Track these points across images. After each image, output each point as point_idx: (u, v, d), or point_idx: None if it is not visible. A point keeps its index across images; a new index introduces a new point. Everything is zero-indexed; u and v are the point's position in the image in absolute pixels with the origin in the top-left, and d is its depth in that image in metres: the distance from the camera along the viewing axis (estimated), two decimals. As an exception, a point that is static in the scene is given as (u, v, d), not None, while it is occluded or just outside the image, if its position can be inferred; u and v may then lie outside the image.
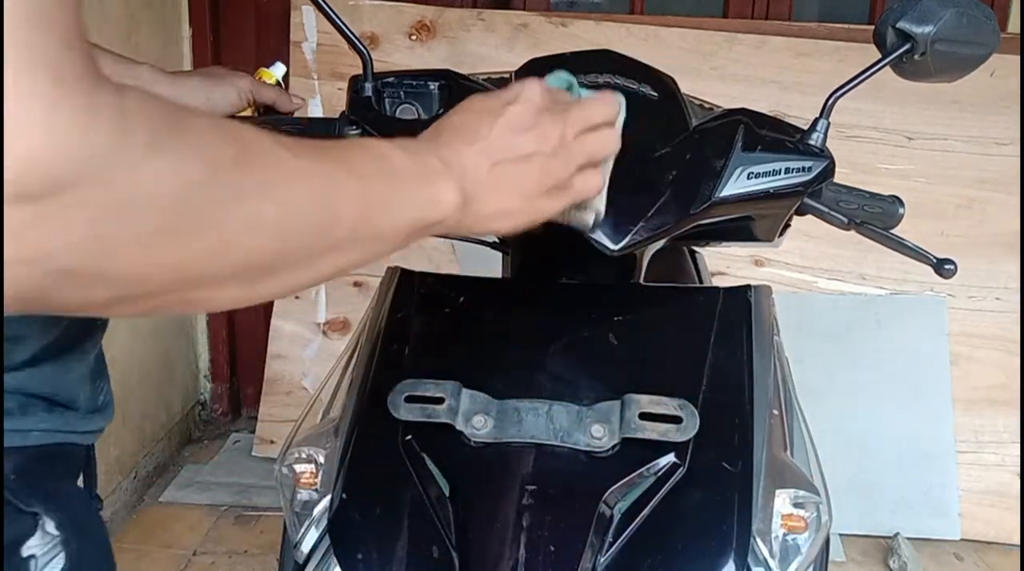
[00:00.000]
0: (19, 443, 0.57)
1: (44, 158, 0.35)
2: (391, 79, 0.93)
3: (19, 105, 0.34)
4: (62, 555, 0.59)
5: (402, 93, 0.94)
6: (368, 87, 0.93)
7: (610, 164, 0.72)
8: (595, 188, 0.71)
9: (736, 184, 0.87)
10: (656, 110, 0.91)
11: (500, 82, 0.97)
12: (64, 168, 0.36)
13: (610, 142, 0.70)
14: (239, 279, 0.47)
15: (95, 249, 0.39)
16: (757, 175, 0.88)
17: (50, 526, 0.58)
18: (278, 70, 1.14)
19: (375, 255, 0.56)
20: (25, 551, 0.57)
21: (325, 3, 0.91)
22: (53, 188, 0.36)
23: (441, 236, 0.66)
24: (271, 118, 1.05)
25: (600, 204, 0.76)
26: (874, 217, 0.96)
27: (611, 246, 0.82)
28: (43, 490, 0.58)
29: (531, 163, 0.64)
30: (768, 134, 0.92)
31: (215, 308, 0.50)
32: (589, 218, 0.76)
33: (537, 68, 0.98)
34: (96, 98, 0.37)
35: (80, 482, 0.66)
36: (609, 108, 0.70)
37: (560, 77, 0.74)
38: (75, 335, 0.64)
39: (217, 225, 0.43)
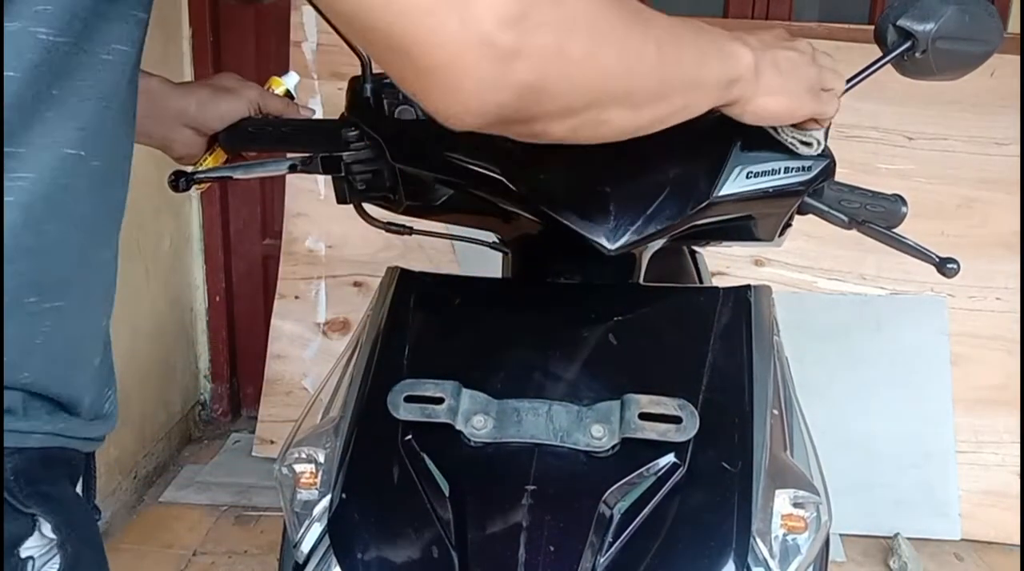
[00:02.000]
0: (19, 444, 0.57)
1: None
2: (389, 80, 0.93)
3: None
4: (58, 558, 0.59)
5: (400, 94, 0.94)
6: (367, 88, 0.93)
7: (839, 103, 0.83)
8: (833, 110, 0.82)
9: (735, 183, 0.87)
10: None
11: None
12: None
13: (838, 92, 0.84)
14: (631, 103, 0.61)
15: (556, 59, 0.53)
16: (756, 174, 0.88)
17: (47, 528, 0.58)
18: (290, 79, 1.13)
19: (702, 97, 0.68)
20: (23, 552, 0.57)
21: None
22: (525, 10, 0.50)
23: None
24: (272, 119, 1.05)
25: (822, 136, 0.87)
26: (876, 216, 0.95)
27: (608, 246, 0.82)
28: (41, 492, 0.58)
29: (797, 58, 0.77)
30: (768, 134, 0.92)
31: (615, 132, 0.62)
32: (812, 143, 0.86)
33: None
34: None
35: (79, 490, 0.65)
36: (839, 78, 0.84)
37: None
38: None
39: (617, 52, 0.57)
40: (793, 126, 0.84)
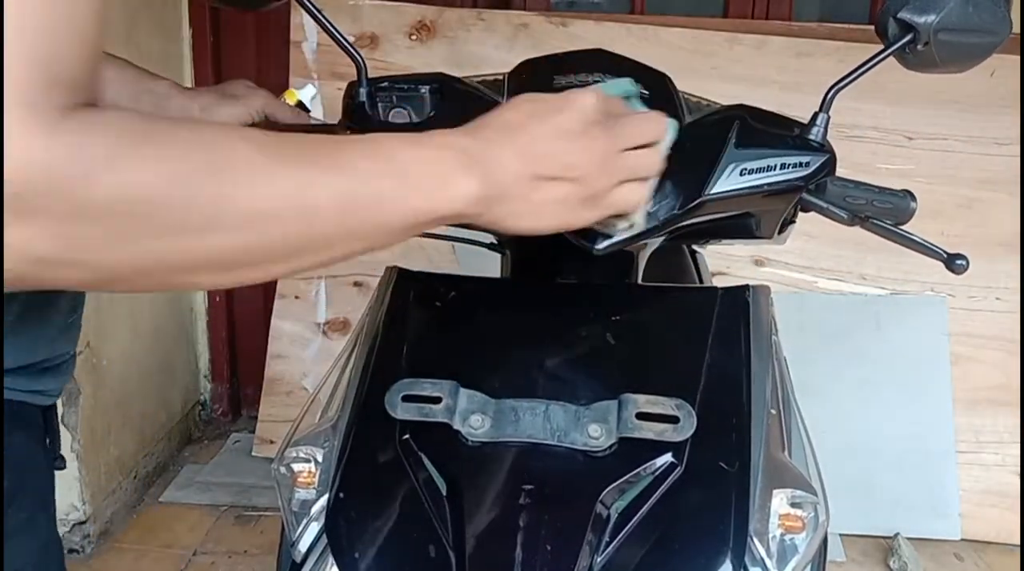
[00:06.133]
0: None
1: (15, 170, 0.42)
2: (384, 83, 0.93)
3: (5, 128, 0.41)
4: None
5: (394, 97, 0.94)
6: (362, 93, 0.93)
7: (654, 183, 0.72)
8: (636, 203, 0.70)
9: (728, 181, 0.86)
10: (648, 108, 0.91)
11: (494, 84, 0.97)
12: (30, 179, 0.42)
13: (655, 163, 0.70)
14: (215, 269, 0.50)
15: (63, 245, 0.44)
16: (751, 171, 0.87)
17: None
18: (306, 92, 1.13)
19: (379, 244, 0.57)
20: None
21: (318, 10, 0.91)
22: (23, 195, 0.42)
23: (467, 227, 0.68)
24: (273, 125, 1.05)
25: (639, 217, 0.75)
26: (884, 212, 0.94)
27: (593, 246, 0.82)
28: None
29: (572, 173, 0.64)
30: (765, 129, 0.91)
31: (195, 289, 0.53)
32: (623, 229, 0.77)
33: (529, 69, 0.98)
34: (63, 122, 0.43)
35: (30, 440, 0.70)
36: (658, 127, 0.70)
37: (620, 84, 0.74)
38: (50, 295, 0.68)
39: (183, 225, 0.47)
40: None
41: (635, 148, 0.68)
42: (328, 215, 0.52)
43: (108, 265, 0.47)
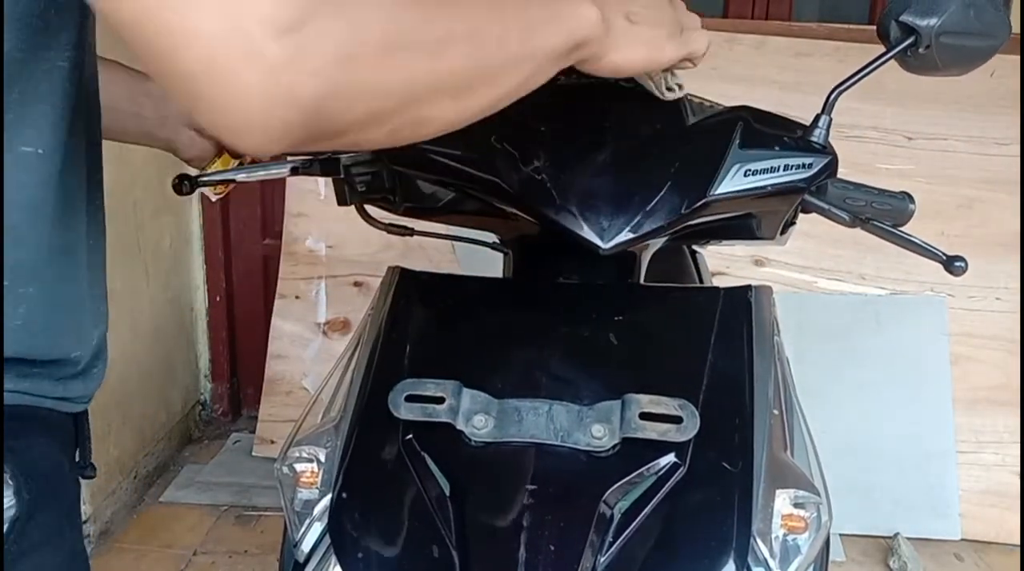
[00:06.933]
0: None
1: None
2: None
3: None
4: (15, 503, 0.61)
5: None
6: None
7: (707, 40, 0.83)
8: (703, 44, 0.82)
9: (732, 182, 0.87)
10: (651, 109, 0.91)
11: None
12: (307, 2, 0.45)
13: (696, 19, 0.83)
14: (451, 94, 0.56)
15: (345, 67, 0.47)
16: (755, 172, 0.87)
17: (7, 477, 0.61)
18: None
19: (542, 69, 0.64)
20: None
21: None
22: (303, 17, 0.44)
23: (586, 72, 0.73)
24: None
25: (683, 80, 0.89)
26: (883, 214, 0.94)
27: (601, 245, 0.82)
28: (7, 446, 0.61)
29: (654, 18, 0.76)
30: (768, 131, 0.91)
31: (441, 127, 0.58)
32: (675, 87, 0.89)
33: None
34: None
35: (55, 448, 0.68)
36: (695, 17, 0.84)
37: None
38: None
39: (422, 44, 0.52)
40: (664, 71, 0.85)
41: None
42: (514, 28, 0.60)
43: (377, 88, 0.50)
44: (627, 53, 0.73)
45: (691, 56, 0.82)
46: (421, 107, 0.54)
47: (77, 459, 0.73)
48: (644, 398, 0.74)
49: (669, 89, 0.89)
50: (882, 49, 0.90)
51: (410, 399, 0.75)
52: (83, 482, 0.74)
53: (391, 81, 0.51)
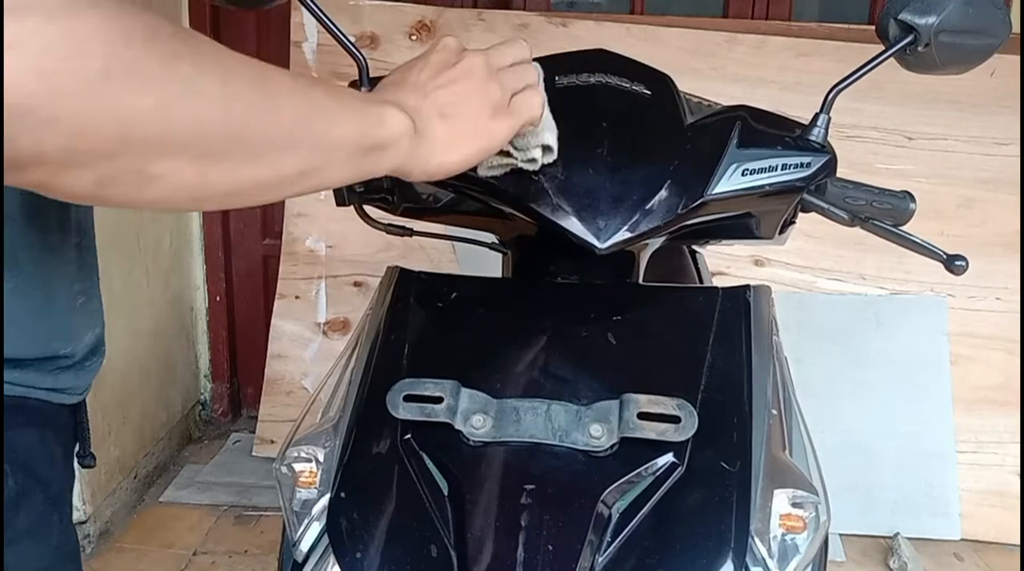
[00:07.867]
0: None
1: None
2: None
3: None
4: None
5: None
6: (364, 91, 0.93)
7: (544, 100, 0.74)
8: (537, 106, 0.73)
9: (729, 181, 0.87)
10: (649, 108, 0.91)
11: None
12: None
13: (532, 74, 0.74)
14: (189, 155, 0.48)
15: (44, 84, 0.40)
16: (752, 172, 0.87)
17: None
18: None
19: (325, 163, 0.57)
20: None
21: (320, 10, 0.91)
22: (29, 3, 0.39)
23: (401, 180, 0.68)
24: None
25: (550, 138, 0.78)
26: (883, 213, 0.94)
27: (598, 245, 0.82)
28: None
29: (466, 85, 0.68)
30: (766, 130, 0.91)
31: (170, 193, 0.49)
32: (538, 152, 0.78)
33: None
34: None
35: (46, 438, 0.69)
36: (521, 50, 0.74)
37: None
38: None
39: (155, 80, 0.45)
40: (511, 144, 0.77)
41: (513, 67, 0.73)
42: (287, 107, 0.53)
43: (82, 120, 0.43)
44: (452, 154, 0.68)
45: (528, 122, 0.74)
46: (145, 160, 0.46)
47: (77, 449, 0.74)
48: (642, 398, 0.74)
49: (530, 160, 0.79)
50: (881, 48, 0.90)
51: (408, 399, 0.75)
52: (83, 482, 0.75)
53: (101, 112, 0.42)
